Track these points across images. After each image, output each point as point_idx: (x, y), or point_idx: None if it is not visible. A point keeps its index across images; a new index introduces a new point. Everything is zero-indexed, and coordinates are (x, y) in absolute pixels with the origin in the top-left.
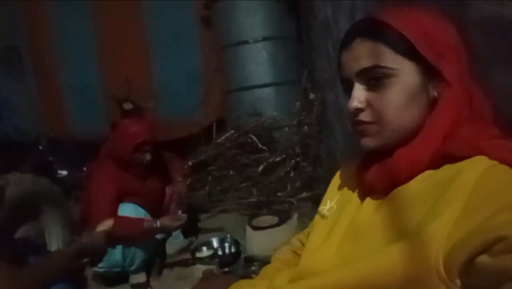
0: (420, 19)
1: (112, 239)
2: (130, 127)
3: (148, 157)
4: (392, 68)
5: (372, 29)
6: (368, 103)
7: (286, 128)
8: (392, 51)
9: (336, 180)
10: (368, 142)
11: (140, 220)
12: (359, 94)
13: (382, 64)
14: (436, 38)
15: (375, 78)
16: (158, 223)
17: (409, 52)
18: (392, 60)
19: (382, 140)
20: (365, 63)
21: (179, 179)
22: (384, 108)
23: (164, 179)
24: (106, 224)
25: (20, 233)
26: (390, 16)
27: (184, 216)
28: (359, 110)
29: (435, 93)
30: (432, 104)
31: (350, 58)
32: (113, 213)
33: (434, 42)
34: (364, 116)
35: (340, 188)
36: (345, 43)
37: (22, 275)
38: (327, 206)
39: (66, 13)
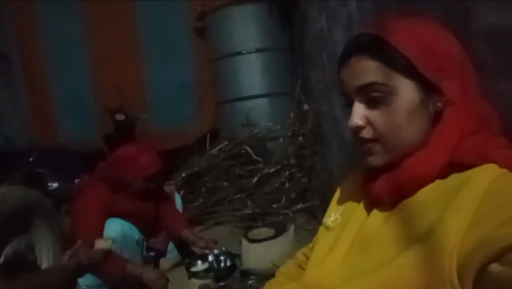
0: (420, 34)
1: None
2: (138, 157)
3: (151, 184)
4: (390, 87)
5: (371, 46)
6: (368, 121)
7: (281, 139)
8: (391, 69)
9: (340, 191)
10: (374, 160)
11: (125, 261)
12: (358, 112)
13: (380, 82)
14: (436, 54)
15: (374, 96)
16: (141, 270)
17: (408, 70)
18: (390, 78)
19: (387, 157)
20: (363, 80)
21: (185, 233)
22: (384, 127)
23: (159, 202)
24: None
25: (9, 247)
26: (389, 31)
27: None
28: (359, 128)
29: (437, 108)
30: (436, 116)
31: (349, 75)
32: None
33: (435, 58)
34: (365, 134)
35: (344, 199)
36: (344, 59)
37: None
38: (331, 217)
39: (57, 20)
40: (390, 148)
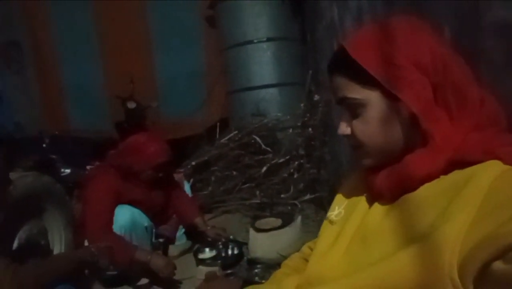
0: (381, 44)
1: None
2: (148, 146)
3: (161, 173)
4: (359, 99)
5: (339, 62)
6: (352, 129)
7: (290, 130)
8: (357, 83)
9: (344, 186)
10: (365, 162)
11: (134, 247)
12: (343, 121)
13: (349, 96)
14: (396, 63)
15: (350, 108)
16: (149, 257)
17: (372, 81)
18: (357, 91)
19: (377, 159)
20: (337, 95)
21: (198, 221)
22: (362, 135)
23: (168, 190)
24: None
25: (22, 232)
26: (354, 45)
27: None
28: (346, 136)
29: (409, 112)
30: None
31: (330, 88)
32: (108, 225)
33: (394, 67)
34: (351, 141)
35: (348, 193)
36: (328, 73)
37: (26, 274)
38: (335, 211)
39: (68, 9)
40: (375, 152)
